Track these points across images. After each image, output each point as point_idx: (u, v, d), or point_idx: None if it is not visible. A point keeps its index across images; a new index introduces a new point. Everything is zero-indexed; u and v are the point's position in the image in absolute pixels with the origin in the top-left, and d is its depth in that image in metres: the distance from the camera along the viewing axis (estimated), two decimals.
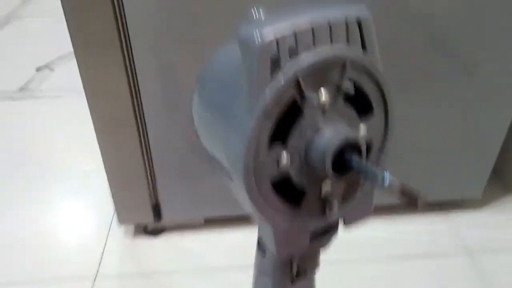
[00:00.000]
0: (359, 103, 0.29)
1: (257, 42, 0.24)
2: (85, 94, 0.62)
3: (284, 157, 0.27)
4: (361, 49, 0.27)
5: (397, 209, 0.75)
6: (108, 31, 0.58)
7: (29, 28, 1.59)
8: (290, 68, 0.25)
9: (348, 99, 0.28)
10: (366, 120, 0.29)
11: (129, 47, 0.59)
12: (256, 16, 0.30)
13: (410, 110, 0.68)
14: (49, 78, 1.27)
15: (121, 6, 0.56)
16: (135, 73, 0.62)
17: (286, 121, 0.26)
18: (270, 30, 0.24)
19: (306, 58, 0.25)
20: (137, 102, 0.64)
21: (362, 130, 0.29)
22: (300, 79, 0.25)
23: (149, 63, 0.61)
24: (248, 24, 0.25)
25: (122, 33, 0.58)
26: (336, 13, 0.26)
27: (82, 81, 0.61)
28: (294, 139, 0.27)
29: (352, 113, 0.28)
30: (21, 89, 1.22)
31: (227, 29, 0.56)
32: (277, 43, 0.24)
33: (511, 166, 0.84)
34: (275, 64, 0.25)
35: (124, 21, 0.57)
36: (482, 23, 0.61)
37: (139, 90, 0.63)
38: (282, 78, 0.25)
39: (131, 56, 0.60)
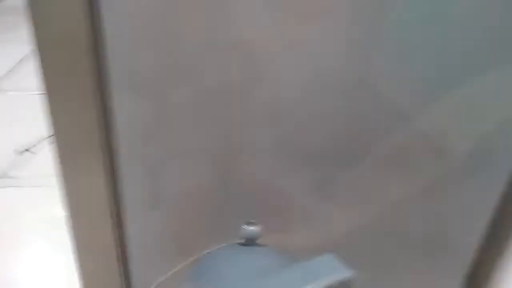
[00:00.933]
0: None
1: None
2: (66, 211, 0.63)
3: None
4: None
5: None
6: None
7: (12, 103, 1.60)
8: None
9: None
10: None
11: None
12: (247, 229, 0.33)
13: (379, 208, 0.69)
14: (30, 163, 1.27)
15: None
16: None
17: None
18: None
19: None
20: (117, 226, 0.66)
21: None
22: None
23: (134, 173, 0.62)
24: None
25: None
26: (322, 283, 0.29)
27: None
28: None
29: None
30: (0, 176, 1.21)
31: (210, 140, 0.60)
32: None
33: (482, 274, 0.88)
34: None
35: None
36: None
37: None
38: None
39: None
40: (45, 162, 1.32)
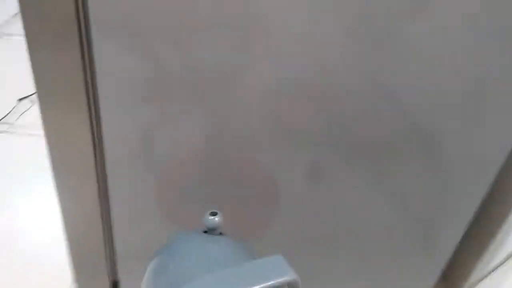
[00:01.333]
0: None
1: None
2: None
3: None
4: None
5: None
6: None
7: (19, 48, 1.58)
8: None
9: None
10: None
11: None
12: (212, 221, 0.35)
13: (360, 198, 0.69)
14: (29, 111, 1.28)
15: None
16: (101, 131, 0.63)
17: None
18: None
19: None
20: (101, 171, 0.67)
21: None
22: None
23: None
24: None
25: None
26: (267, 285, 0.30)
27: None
28: None
29: None
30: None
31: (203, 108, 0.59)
32: None
33: (459, 269, 0.90)
34: None
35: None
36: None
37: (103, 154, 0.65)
38: None
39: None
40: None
